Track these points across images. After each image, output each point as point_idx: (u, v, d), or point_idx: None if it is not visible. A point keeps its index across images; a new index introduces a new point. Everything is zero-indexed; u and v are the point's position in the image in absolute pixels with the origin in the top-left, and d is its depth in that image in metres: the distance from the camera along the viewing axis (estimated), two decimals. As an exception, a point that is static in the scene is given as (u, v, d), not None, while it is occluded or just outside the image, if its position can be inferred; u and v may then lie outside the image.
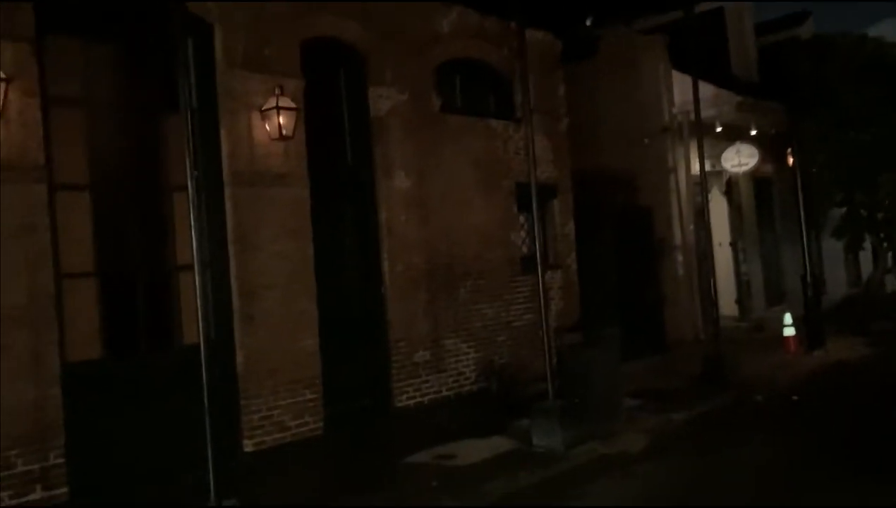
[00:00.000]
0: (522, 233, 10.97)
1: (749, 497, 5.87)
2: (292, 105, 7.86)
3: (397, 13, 9.43)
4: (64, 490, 6.26)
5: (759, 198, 16.57)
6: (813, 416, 8.62)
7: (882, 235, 15.01)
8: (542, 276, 8.02)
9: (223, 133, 7.67)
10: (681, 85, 13.16)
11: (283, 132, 7.80)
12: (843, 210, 14.72)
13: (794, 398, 9.49)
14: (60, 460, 6.26)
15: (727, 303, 15.15)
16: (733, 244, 15.57)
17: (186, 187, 6.95)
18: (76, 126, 6.92)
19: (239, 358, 7.60)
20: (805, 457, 6.90)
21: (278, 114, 7.75)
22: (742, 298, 15.59)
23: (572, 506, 5.97)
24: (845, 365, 11.36)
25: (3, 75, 5.94)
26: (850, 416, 8.38)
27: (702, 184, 10.73)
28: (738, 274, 15.64)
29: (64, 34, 6.81)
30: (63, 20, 6.73)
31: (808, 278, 12.56)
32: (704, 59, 13.08)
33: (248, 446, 7.57)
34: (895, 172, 13.02)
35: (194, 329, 7.25)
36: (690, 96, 10.94)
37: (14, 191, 6.12)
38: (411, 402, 9.21)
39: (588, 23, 11.15)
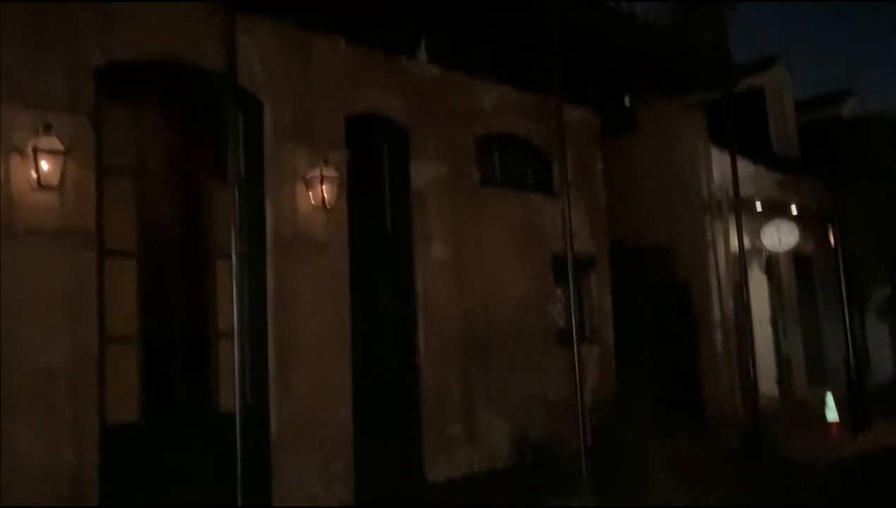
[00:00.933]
0: (559, 305, 10.95)
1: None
2: (335, 175, 8.06)
3: (440, 89, 9.69)
4: (95, 553, 6.28)
5: (800, 276, 16.36)
6: (853, 503, 8.31)
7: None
8: (578, 349, 7.98)
9: (268, 201, 7.88)
10: (720, 161, 13.20)
11: (327, 202, 7.99)
12: (888, 289, 14.47)
13: (838, 484, 9.18)
14: (93, 523, 6.30)
15: (767, 382, 14.83)
16: (773, 322, 15.32)
17: (230, 254, 7.22)
18: (127, 194, 7.18)
19: (273, 426, 7.63)
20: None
21: (322, 185, 7.95)
22: (782, 377, 15.26)
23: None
24: (891, 451, 10.97)
25: (62, 148, 6.21)
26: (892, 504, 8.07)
27: (740, 262, 10.65)
28: (778, 352, 15.34)
29: (121, 105, 7.12)
30: (121, 92, 7.05)
31: (851, 358, 12.27)
32: (744, 137, 13.15)
33: (280, 515, 7.53)
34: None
35: (231, 394, 7.40)
36: (730, 172, 10.97)
37: (65, 257, 6.34)
38: (443, 476, 9.11)
39: (626, 100, 11.31)
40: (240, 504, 5.11)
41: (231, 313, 7.34)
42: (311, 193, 8.02)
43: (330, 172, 8.01)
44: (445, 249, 9.55)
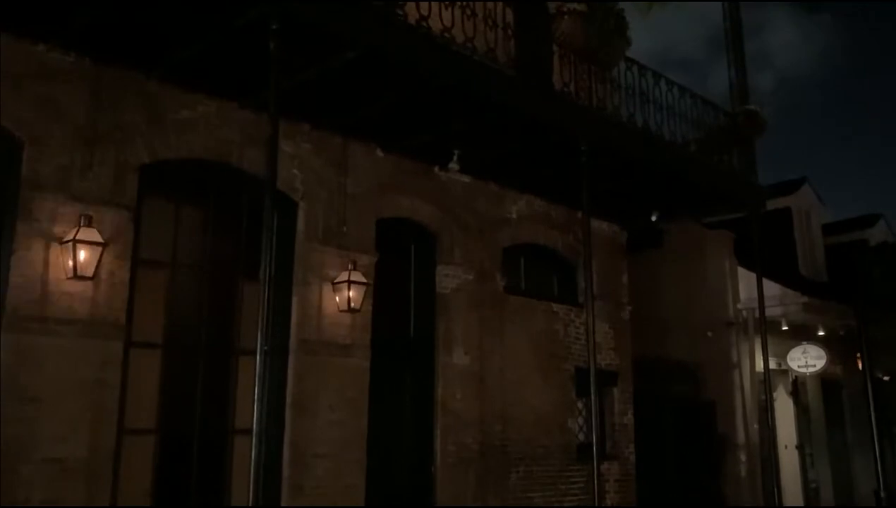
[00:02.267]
0: (580, 420, 10.79)
1: None
2: (363, 279, 8.17)
3: (470, 198, 9.90)
4: None
5: (828, 401, 16.00)
6: None
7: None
8: (598, 467, 7.81)
9: (294, 301, 7.98)
10: (746, 280, 13.18)
11: (352, 305, 8.07)
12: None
13: None
14: None
15: (794, 511, 14.33)
16: (800, 447, 14.89)
17: (252, 351, 7.25)
18: (159, 286, 7.32)
19: (283, 529, 7.49)
20: None
21: (349, 288, 8.05)
22: (809, 505, 14.71)
23: None
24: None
25: (101, 240, 6.40)
26: None
27: (766, 384, 10.51)
28: (805, 479, 14.85)
29: (161, 199, 7.35)
30: (162, 187, 7.29)
31: (882, 491, 11.85)
32: (771, 257, 13.16)
33: None
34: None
35: (243, 492, 7.29)
36: (755, 292, 10.94)
37: (92, 346, 6.44)
38: (453, 592, 8.81)
39: (654, 217, 11.44)
40: None
41: (249, 411, 7.40)
42: (337, 296, 8.11)
43: (358, 277, 8.12)
44: (467, 356, 9.53)
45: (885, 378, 13.67)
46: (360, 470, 8.15)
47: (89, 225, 6.40)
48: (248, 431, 7.50)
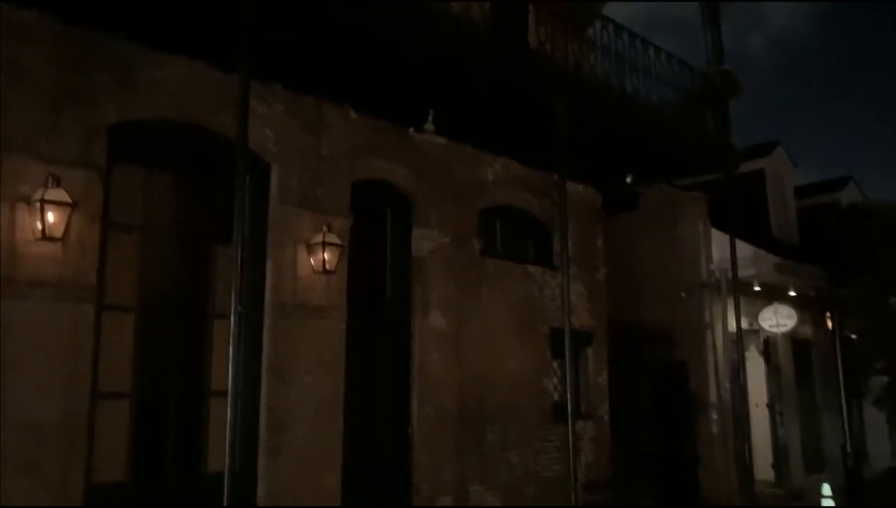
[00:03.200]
0: (555, 380, 10.89)
1: None
2: (338, 241, 8.12)
3: (445, 160, 9.84)
4: None
5: (798, 360, 16.27)
6: None
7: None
8: (573, 427, 7.90)
9: (269, 264, 7.92)
10: (720, 242, 13.29)
11: (327, 267, 8.03)
12: (886, 379, 14.36)
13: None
14: (72, 584, 6.15)
15: (763, 467, 14.61)
16: (770, 405, 15.17)
17: (227, 315, 7.19)
18: (131, 249, 7.22)
19: (260, 490, 7.51)
20: None
21: (324, 250, 8.00)
22: (779, 463, 15.03)
23: None
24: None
25: (70, 201, 6.28)
26: None
27: (738, 343, 10.63)
28: (774, 437, 15.15)
29: (131, 163, 7.22)
30: (132, 150, 7.16)
31: (848, 448, 12.12)
32: (744, 219, 13.27)
33: (263, 583, 7.35)
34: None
35: (219, 456, 7.29)
36: (728, 254, 11.05)
37: (63, 309, 6.35)
38: (431, 549, 8.92)
39: (628, 180, 11.47)
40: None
41: (225, 374, 7.37)
42: (312, 258, 8.06)
43: (332, 238, 8.07)
44: (444, 319, 9.54)
45: (854, 336, 13.90)
46: (337, 433, 8.17)
47: (57, 185, 6.27)
48: (225, 394, 7.57)
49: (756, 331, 14.91)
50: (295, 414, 7.83)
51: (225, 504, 5.17)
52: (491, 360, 10.03)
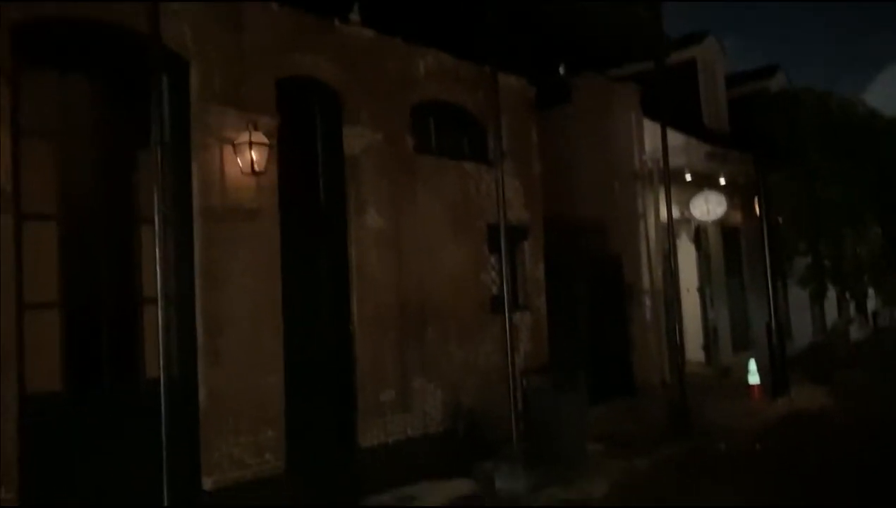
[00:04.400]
0: (493, 274, 11.04)
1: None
2: (265, 140, 7.91)
3: (374, 54, 9.57)
4: (15, 525, 6.13)
5: (727, 246, 16.83)
6: (772, 466, 8.68)
7: (846, 286, 15.28)
8: (510, 318, 8.06)
9: (195, 167, 7.70)
10: (652, 133, 13.39)
11: (255, 167, 7.84)
12: (809, 260, 14.97)
13: (756, 446, 9.56)
14: (12, 494, 6.14)
15: (694, 349, 15.29)
16: (701, 290, 15.75)
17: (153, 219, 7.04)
18: (47, 157, 6.91)
19: (201, 395, 7.54)
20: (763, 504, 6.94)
21: (250, 150, 7.80)
22: (709, 344, 15.74)
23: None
24: (807, 414, 11.47)
25: (-27, 105, 5.94)
26: (808, 467, 8.45)
27: (668, 230, 10.89)
28: (705, 320, 15.80)
29: (40, 66, 6.83)
30: (40, 52, 6.77)
31: (773, 326, 12.71)
32: (676, 109, 13.38)
33: (208, 484, 7.47)
34: (858, 225, 13.28)
35: (158, 363, 7.28)
36: (661, 144, 11.14)
37: (-20, 219, 6.09)
38: (376, 442, 9.16)
39: (561, 70, 11.37)
40: (165, 477, 5.02)
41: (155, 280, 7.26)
42: (239, 159, 7.86)
43: (259, 137, 7.86)
44: (380, 218, 9.50)
45: (780, 220, 14.37)
46: (277, 334, 8.19)
47: (-41, 90, 5.92)
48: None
49: (688, 220, 15.29)
50: (232, 317, 7.79)
51: (162, 409, 5.14)
52: (429, 257, 10.08)
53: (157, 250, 5.25)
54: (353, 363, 9.09)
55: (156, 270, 7.03)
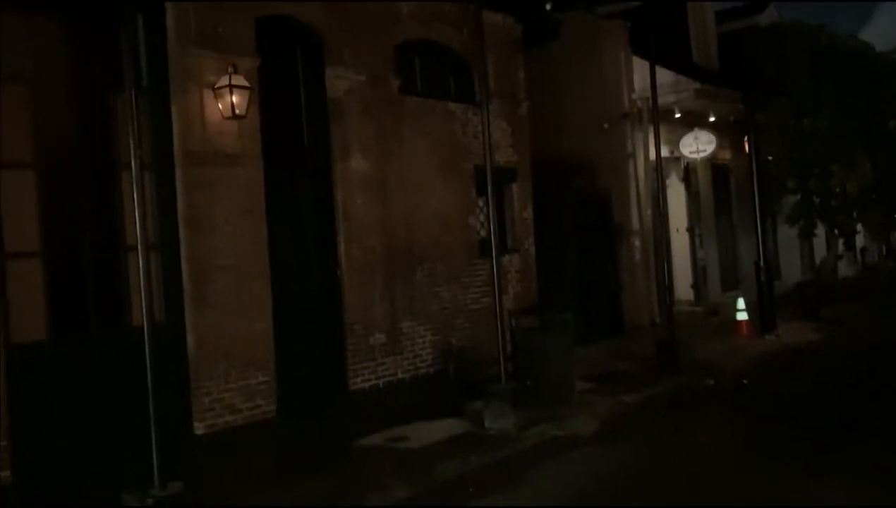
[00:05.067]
0: (481, 217, 10.98)
1: (693, 481, 5.95)
2: (245, 84, 7.75)
3: (356, -8, 9.34)
4: (6, 473, 6.16)
5: (717, 185, 16.77)
6: (760, 400, 8.79)
7: (835, 222, 15.28)
8: (497, 259, 8.03)
9: (175, 111, 7.56)
10: (641, 71, 13.20)
11: (237, 111, 7.70)
12: (797, 197, 14.92)
13: (744, 382, 9.66)
14: (4, 442, 6.16)
15: (683, 288, 15.36)
16: (690, 230, 15.75)
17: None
18: (22, 103, 6.75)
19: (190, 341, 7.53)
20: (751, 441, 7.03)
21: (231, 93, 7.65)
22: (698, 283, 15.80)
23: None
24: (794, 350, 11.58)
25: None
26: (795, 401, 8.55)
27: (657, 170, 10.82)
28: (694, 259, 15.83)
29: (10, 9, 6.63)
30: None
31: (762, 264, 12.75)
32: (665, 46, 13.15)
33: (200, 429, 7.51)
34: (847, 161, 13.21)
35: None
36: (650, 82, 10.99)
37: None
38: (366, 385, 9.21)
39: (548, 7, 11.13)
40: (152, 422, 5.02)
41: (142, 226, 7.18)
42: (220, 103, 7.71)
43: (240, 81, 7.69)
44: (365, 161, 9.39)
45: (770, 158, 14.28)
46: (264, 279, 8.16)
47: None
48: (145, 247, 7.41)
49: (677, 159, 15.21)
50: (218, 263, 7.74)
51: (147, 356, 5.11)
52: (416, 201, 10.00)
53: (134, 196, 5.15)
54: (342, 307, 9.08)
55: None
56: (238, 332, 7.84)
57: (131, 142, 5.06)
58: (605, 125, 13.81)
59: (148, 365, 5.03)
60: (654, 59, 10.90)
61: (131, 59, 5.31)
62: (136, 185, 5.06)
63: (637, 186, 14.06)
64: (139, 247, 5.11)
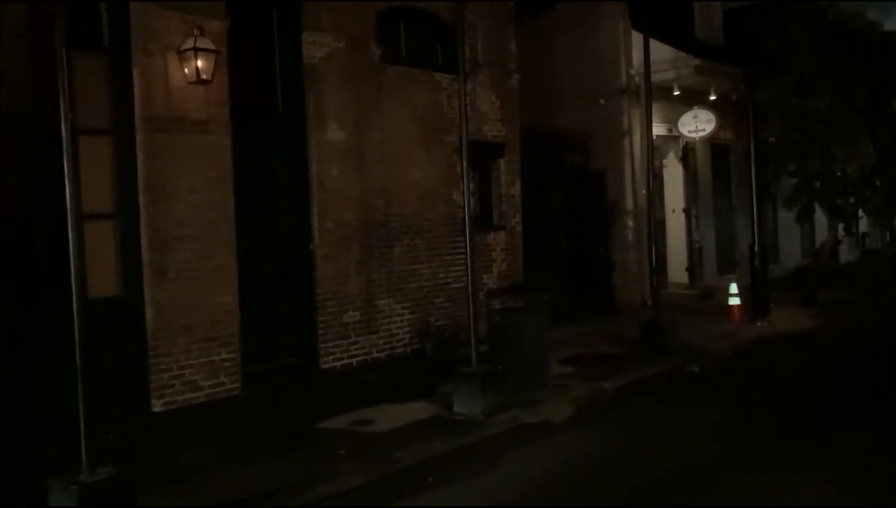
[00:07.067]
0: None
1: (661, 474, 5.67)
2: (212, 47, 7.40)
3: (335, -47, 8.93)
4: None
5: (716, 165, 16.34)
6: (743, 388, 8.49)
7: (834, 206, 14.84)
8: (470, 236, 7.70)
9: (136, 74, 7.22)
10: (640, 45, 12.73)
11: (202, 76, 7.36)
12: (796, 179, 14.49)
13: (728, 368, 9.36)
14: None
15: (678, 270, 15.03)
16: (687, 211, 15.36)
17: (94, 131, 6.62)
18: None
19: (148, 314, 7.25)
20: (729, 430, 6.76)
21: (196, 57, 7.30)
22: (693, 265, 15.45)
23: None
24: (784, 336, 11.25)
25: None
26: (780, 388, 8.26)
27: (649, 148, 10.44)
28: (690, 241, 15.46)
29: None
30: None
31: (756, 247, 12.40)
32: (667, 21, 12.71)
33: (157, 406, 7.26)
34: (849, 143, 12.76)
35: (102, 281, 6.97)
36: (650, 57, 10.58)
37: None
38: (338, 364, 8.94)
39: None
40: (80, 400, 4.73)
41: (98, 194, 6.89)
42: (185, 67, 7.36)
43: (206, 43, 7.34)
44: (342, 131, 9.05)
45: (772, 139, 13.83)
46: (229, 251, 7.86)
47: None
48: (102, 216, 7.13)
49: (676, 137, 14.79)
50: (180, 233, 7.44)
51: (76, 334, 4.82)
52: (396, 173, 9.67)
53: (64, 160, 4.84)
54: (314, 282, 8.78)
55: (96, 183, 6.74)
56: (201, 306, 7.55)
57: (62, 105, 4.73)
58: (602, 100, 13.41)
59: (77, 342, 4.77)
60: (651, 32, 10.49)
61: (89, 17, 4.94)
62: (66, 153, 4.76)
63: (632, 164, 13.67)
64: (69, 219, 4.82)
